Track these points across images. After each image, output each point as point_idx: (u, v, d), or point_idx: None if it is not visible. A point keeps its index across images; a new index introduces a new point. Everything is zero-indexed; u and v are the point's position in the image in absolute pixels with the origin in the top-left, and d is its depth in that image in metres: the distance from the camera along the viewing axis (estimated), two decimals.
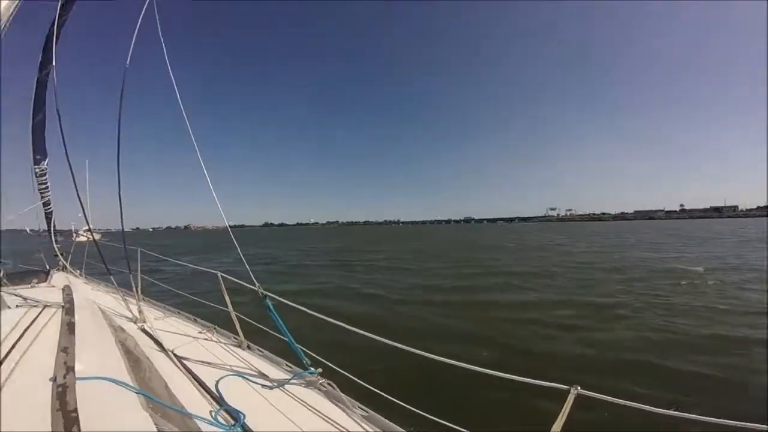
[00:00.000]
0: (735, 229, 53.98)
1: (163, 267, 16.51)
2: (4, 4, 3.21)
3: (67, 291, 3.31)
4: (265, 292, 2.46)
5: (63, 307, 2.53)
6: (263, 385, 2.21)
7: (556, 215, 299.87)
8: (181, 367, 2.31)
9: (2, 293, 2.67)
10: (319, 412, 1.94)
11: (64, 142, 3.49)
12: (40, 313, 2.34)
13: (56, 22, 4.46)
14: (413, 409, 2.00)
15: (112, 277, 3.71)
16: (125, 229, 3.05)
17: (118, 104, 3.20)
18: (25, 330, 1.95)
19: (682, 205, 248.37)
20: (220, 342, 3.09)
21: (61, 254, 5.71)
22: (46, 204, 5.45)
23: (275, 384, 2.22)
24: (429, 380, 4.67)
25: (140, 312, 3.44)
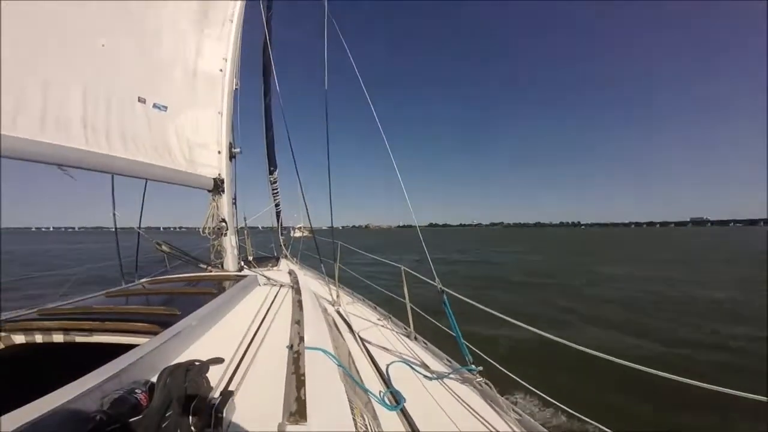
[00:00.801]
0: None
1: (355, 260, 18.55)
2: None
3: (293, 275, 4.00)
4: (443, 288, 2.58)
5: (292, 287, 3.04)
6: (425, 375, 2.39)
7: None
8: (363, 348, 2.62)
9: (257, 274, 3.61)
10: (472, 409, 2.01)
11: (293, 157, 4.34)
12: (278, 291, 2.93)
13: (270, 60, 5.65)
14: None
15: (322, 265, 4.43)
16: (322, 228, 3.58)
17: (325, 124, 3.89)
18: (271, 303, 2.50)
19: None
20: (393, 330, 3.43)
21: (285, 245, 7.25)
22: (276, 205, 6.96)
23: (435, 376, 2.38)
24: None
25: (338, 296, 3.99)
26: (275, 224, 7.36)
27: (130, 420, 0.88)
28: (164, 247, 3.67)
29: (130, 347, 1.60)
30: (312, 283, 4.79)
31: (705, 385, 1.54)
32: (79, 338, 1.81)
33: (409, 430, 1.69)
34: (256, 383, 1.26)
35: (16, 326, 1.87)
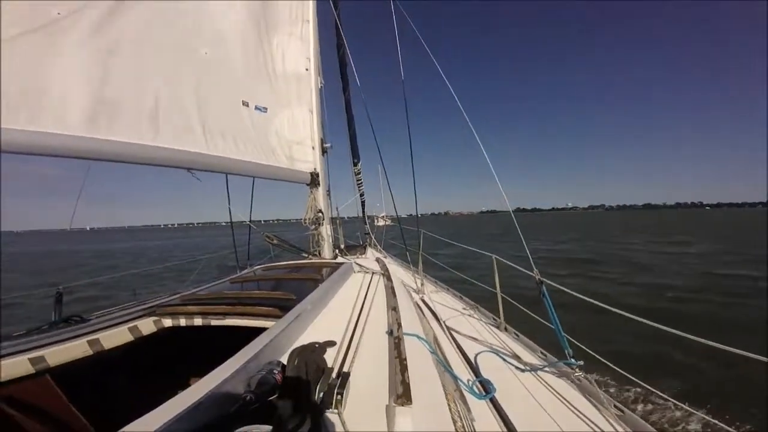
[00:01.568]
0: None
1: (439, 250, 17.29)
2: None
3: (381, 262, 4.13)
4: (542, 279, 2.46)
5: (383, 274, 3.15)
6: (516, 367, 2.33)
7: None
8: (449, 336, 2.59)
9: (348, 260, 3.84)
10: (569, 402, 1.94)
11: (379, 150, 4.48)
12: (371, 278, 3.04)
13: (345, 55, 5.80)
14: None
15: (408, 254, 4.50)
16: (404, 216, 3.61)
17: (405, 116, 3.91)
18: (367, 289, 2.64)
19: None
20: (481, 320, 3.38)
21: (370, 234, 7.51)
22: (361, 195, 7.23)
23: (528, 367, 2.31)
24: None
25: (422, 285, 4.02)
26: (360, 214, 7.64)
27: (270, 399, 0.99)
28: (273, 240, 4.17)
29: (255, 329, 1.87)
30: (397, 271, 4.90)
31: None
32: (215, 321, 2.12)
33: (499, 419, 1.68)
34: (362, 365, 1.37)
35: (165, 311, 2.20)
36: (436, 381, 1.33)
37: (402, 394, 1.03)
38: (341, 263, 3.49)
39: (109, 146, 2.21)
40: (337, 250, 4.97)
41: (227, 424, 0.84)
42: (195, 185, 2.96)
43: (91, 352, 1.78)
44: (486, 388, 1.93)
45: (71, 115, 2.05)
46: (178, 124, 2.72)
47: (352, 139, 6.51)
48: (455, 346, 2.49)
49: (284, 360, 1.17)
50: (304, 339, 1.58)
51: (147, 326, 2.11)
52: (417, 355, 1.43)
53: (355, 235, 8.37)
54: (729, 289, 9.89)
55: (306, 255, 4.33)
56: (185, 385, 1.08)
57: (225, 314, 2.08)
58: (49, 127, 1.94)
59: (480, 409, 1.73)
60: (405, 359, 1.28)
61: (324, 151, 4.51)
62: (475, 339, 2.77)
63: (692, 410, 3.05)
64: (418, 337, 1.67)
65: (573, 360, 2.22)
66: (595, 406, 1.92)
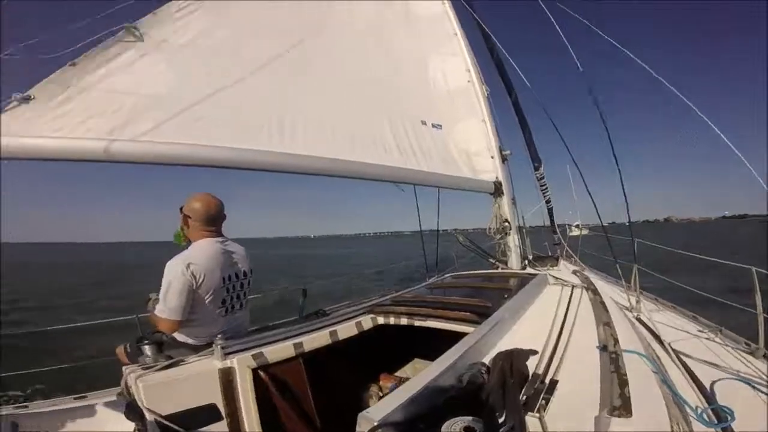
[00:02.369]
0: None
1: (657, 261, 15.12)
2: None
3: (580, 275, 3.79)
4: None
5: (587, 288, 2.91)
6: None
7: None
8: (675, 359, 2.27)
9: (540, 272, 3.65)
10: None
11: (570, 152, 4.24)
12: (572, 291, 2.83)
13: (501, 57, 5.63)
14: None
15: (618, 266, 3.95)
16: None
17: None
18: (569, 302, 2.48)
19: None
20: (726, 345, 2.86)
21: (563, 243, 6.88)
22: (547, 202, 6.76)
23: None
24: None
25: (637, 302, 3.47)
26: (548, 222, 7.14)
27: (477, 395, 1.14)
28: (461, 239, 4.37)
29: (455, 332, 2.04)
30: (602, 285, 4.34)
31: None
32: (418, 322, 2.37)
33: None
34: (568, 376, 1.34)
35: (380, 310, 2.58)
36: (659, 401, 1.23)
37: (620, 406, 1.02)
38: (534, 274, 3.40)
39: (330, 164, 2.85)
40: (525, 261, 4.85)
41: (439, 415, 1.00)
42: (384, 199, 3.56)
43: (330, 342, 2.12)
44: (720, 417, 1.64)
45: (299, 137, 2.78)
46: (378, 143, 3.28)
47: (529, 142, 6.28)
48: (684, 369, 2.16)
49: (488, 362, 1.31)
50: (504, 345, 1.64)
51: (366, 322, 2.48)
52: (637, 373, 1.36)
53: (542, 245, 7.85)
54: None
55: (493, 263, 4.36)
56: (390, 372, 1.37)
57: (427, 316, 2.35)
58: (285, 147, 2.67)
59: None
60: (625, 374, 1.24)
61: (504, 158, 4.51)
62: (713, 364, 2.34)
63: None
64: (639, 354, 1.55)
65: None
66: None
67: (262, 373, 1.75)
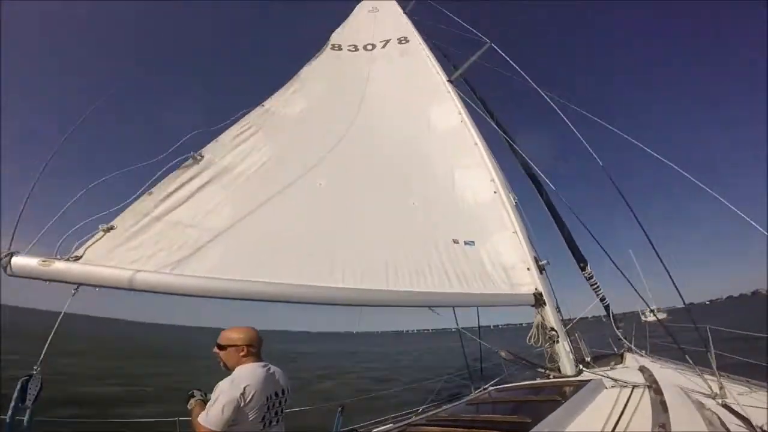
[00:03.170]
0: None
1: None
2: None
3: (646, 372, 3.55)
4: None
5: (648, 386, 2.79)
6: None
7: None
8: None
9: (597, 375, 3.46)
10: None
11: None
12: (630, 394, 2.71)
13: (523, 157, 5.92)
14: None
15: (687, 355, 3.70)
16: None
17: None
18: (624, 407, 2.36)
19: None
20: None
21: (625, 338, 6.24)
22: (602, 299, 6.32)
23: None
24: None
25: (720, 387, 3.08)
26: (606, 319, 6.60)
27: None
28: (503, 354, 4.08)
29: None
30: (677, 377, 3.93)
31: None
32: None
33: None
34: None
35: (415, 430, 2.52)
36: None
37: None
38: (587, 380, 3.22)
39: (378, 295, 3.01)
40: (581, 365, 4.42)
41: None
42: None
43: None
44: None
45: (339, 271, 2.97)
46: (412, 270, 3.36)
47: (569, 243, 6.14)
48: None
49: None
50: None
51: None
52: None
53: (607, 340, 7.15)
54: None
55: (544, 371, 4.06)
56: None
57: None
58: (337, 282, 2.87)
59: None
60: None
61: (541, 269, 4.44)
62: None
63: None
64: None
65: None
66: None
67: None
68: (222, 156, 3.16)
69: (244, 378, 1.96)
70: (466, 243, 4.12)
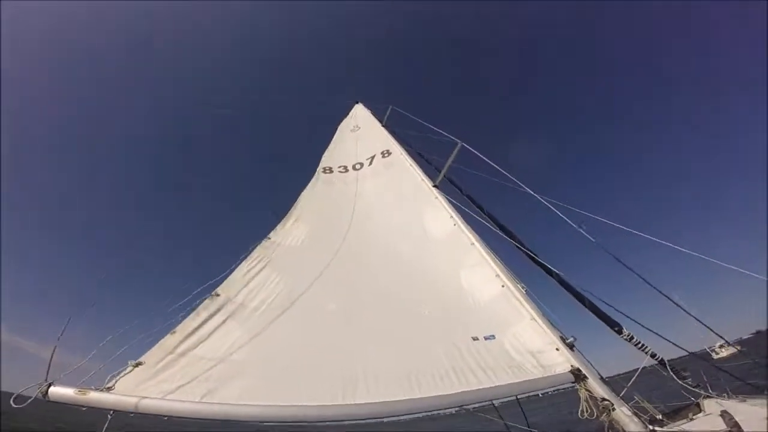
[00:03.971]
0: None
1: None
2: None
3: (726, 416, 3.38)
4: None
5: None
6: None
7: None
8: None
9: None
10: None
11: None
12: None
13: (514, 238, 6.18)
14: None
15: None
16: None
17: None
18: None
19: None
20: None
21: (697, 385, 5.64)
22: (653, 356, 5.88)
23: None
24: None
25: None
26: (667, 372, 6.03)
27: None
28: None
29: None
30: (761, 415, 3.56)
31: None
32: None
33: None
34: None
35: None
36: None
37: None
38: None
39: (404, 404, 2.95)
40: (650, 426, 4.02)
41: None
42: None
43: None
44: None
45: (368, 387, 2.97)
46: (436, 374, 3.33)
47: (596, 312, 5.96)
48: None
49: None
50: None
51: None
52: None
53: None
54: None
55: None
56: None
57: None
58: (363, 398, 2.85)
59: None
60: None
61: (571, 346, 4.31)
62: None
63: None
64: None
65: None
66: None
67: None
68: (237, 292, 3.45)
69: None
70: (486, 338, 4.09)
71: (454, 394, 3.24)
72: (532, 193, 5.79)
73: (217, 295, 3.30)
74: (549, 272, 6.15)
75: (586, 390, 3.89)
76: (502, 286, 4.89)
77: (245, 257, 3.98)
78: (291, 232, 4.92)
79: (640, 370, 5.87)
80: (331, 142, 9.51)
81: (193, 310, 3.14)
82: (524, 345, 4.14)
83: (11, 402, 2.28)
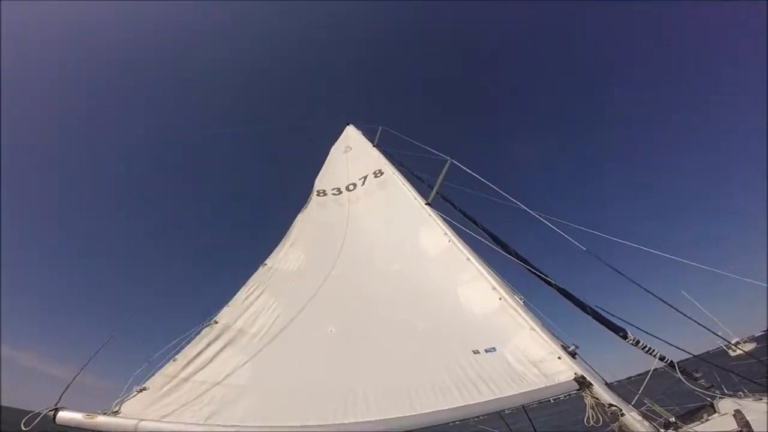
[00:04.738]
0: None
1: None
2: None
3: (739, 416, 3.40)
4: None
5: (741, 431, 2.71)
6: None
7: None
8: None
9: None
10: None
11: None
12: None
13: (515, 254, 6.36)
14: None
15: None
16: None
17: None
18: None
19: None
20: None
21: (710, 386, 5.59)
22: (661, 359, 5.87)
23: None
24: None
25: None
26: (677, 374, 6.00)
27: None
28: None
29: None
30: None
31: None
32: None
33: None
34: None
35: None
36: None
37: None
38: None
39: (405, 420, 2.99)
40: (662, 430, 4.01)
41: None
42: None
43: None
44: None
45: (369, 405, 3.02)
46: (436, 389, 3.38)
47: (599, 319, 6.00)
48: None
49: None
50: None
51: None
52: None
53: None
54: None
55: None
56: None
57: None
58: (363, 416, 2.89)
59: None
60: None
61: (573, 354, 4.35)
62: None
63: None
64: None
65: None
66: None
67: None
68: (235, 319, 3.54)
69: None
70: (486, 351, 4.12)
71: (456, 408, 3.25)
72: (522, 206, 5.96)
73: (216, 322, 3.39)
74: (548, 282, 6.21)
75: (593, 397, 3.92)
76: (500, 298, 4.94)
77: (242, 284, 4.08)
78: (287, 257, 5.02)
79: (651, 373, 5.84)
80: (324, 164, 9.69)
81: (192, 338, 3.24)
82: (526, 355, 4.17)
83: (22, 425, 2.39)
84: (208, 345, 3.18)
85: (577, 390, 4.01)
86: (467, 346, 4.05)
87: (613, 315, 5.09)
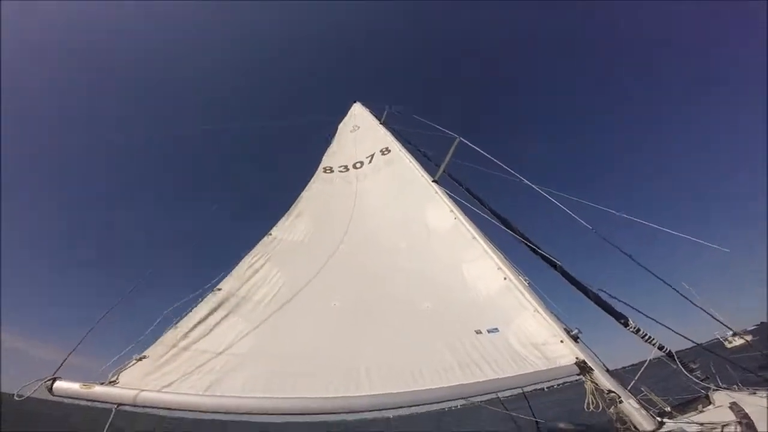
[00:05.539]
0: None
1: None
2: None
3: (736, 408, 3.42)
4: None
5: (739, 423, 2.76)
6: None
7: None
8: None
9: (682, 423, 3.38)
10: None
11: None
12: None
13: (521, 235, 6.24)
14: None
15: None
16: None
17: None
18: None
19: None
20: None
21: (706, 378, 5.64)
22: (660, 348, 5.91)
23: None
24: None
25: None
26: (676, 365, 6.05)
27: None
28: (563, 426, 3.75)
29: None
30: None
31: None
32: None
33: None
34: None
35: None
36: None
37: None
38: None
39: (405, 396, 3.01)
40: (658, 418, 4.07)
41: None
42: None
43: None
44: None
45: (371, 380, 3.03)
46: (438, 367, 3.38)
47: (600, 304, 6.01)
48: None
49: None
50: None
51: None
52: None
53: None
54: None
55: None
56: None
57: None
58: (365, 390, 2.92)
59: None
60: None
61: (575, 338, 4.36)
62: None
63: None
64: None
65: None
66: None
67: None
68: (238, 288, 3.53)
69: None
70: (489, 331, 4.13)
71: (457, 386, 3.28)
72: (528, 182, 5.86)
73: (219, 289, 3.38)
74: (553, 264, 6.17)
75: (592, 382, 3.95)
76: (505, 278, 4.94)
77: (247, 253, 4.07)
78: (292, 228, 5.01)
79: (647, 362, 5.87)
80: (332, 142, 9.62)
81: (195, 305, 3.22)
82: (528, 337, 4.19)
83: (15, 395, 2.39)
84: (210, 313, 3.17)
85: (578, 374, 4.05)
86: (470, 326, 4.06)
87: (615, 298, 5.05)
